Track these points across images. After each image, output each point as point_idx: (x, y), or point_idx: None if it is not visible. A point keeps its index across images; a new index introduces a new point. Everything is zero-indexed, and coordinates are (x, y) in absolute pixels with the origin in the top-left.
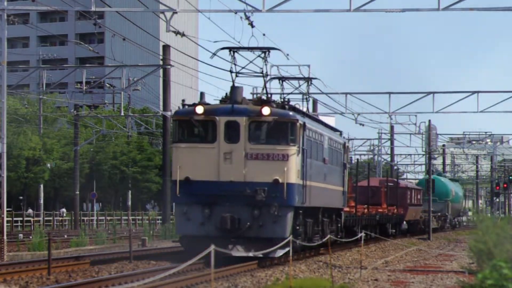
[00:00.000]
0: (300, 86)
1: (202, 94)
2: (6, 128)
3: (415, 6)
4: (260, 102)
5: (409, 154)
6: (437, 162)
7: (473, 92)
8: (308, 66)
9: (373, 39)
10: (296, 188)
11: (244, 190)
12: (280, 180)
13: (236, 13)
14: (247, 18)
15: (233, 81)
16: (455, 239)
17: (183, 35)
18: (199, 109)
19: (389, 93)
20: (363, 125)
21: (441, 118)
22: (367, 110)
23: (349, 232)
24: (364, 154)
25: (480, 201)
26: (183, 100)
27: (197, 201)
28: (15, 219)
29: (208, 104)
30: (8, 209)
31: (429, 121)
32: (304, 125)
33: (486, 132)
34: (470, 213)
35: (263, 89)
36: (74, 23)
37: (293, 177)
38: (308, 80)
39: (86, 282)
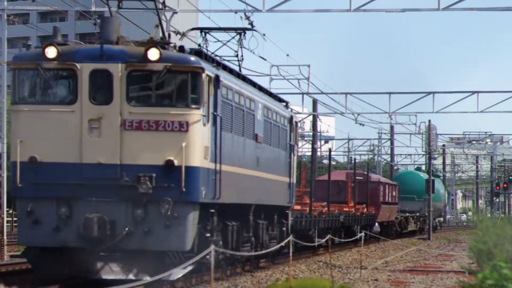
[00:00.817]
0: (230, 39)
1: (55, 29)
2: (6, 128)
3: (415, 6)
4: (148, 43)
5: (409, 154)
6: (437, 162)
7: (473, 92)
8: (308, 66)
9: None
10: (202, 175)
11: (120, 178)
12: (176, 162)
13: (236, 13)
14: (247, 18)
15: None
16: (455, 239)
17: (183, 35)
18: (51, 52)
19: (389, 93)
20: (363, 125)
21: (441, 118)
22: (367, 110)
23: (301, 238)
24: (364, 154)
25: (480, 201)
26: (25, 43)
27: (48, 195)
28: (15, 219)
29: (65, 44)
30: (7, 209)
31: (429, 121)
32: (217, 80)
33: (486, 132)
34: (470, 213)
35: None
36: (74, 23)
37: (197, 157)
38: (241, 32)
39: None
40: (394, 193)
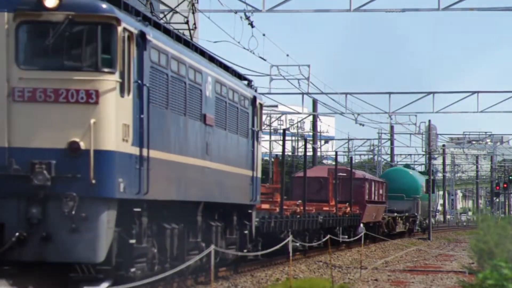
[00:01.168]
0: (180, 3)
1: None
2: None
3: (415, 6)
4: None
5: (409, 154)
6: (437, 162)
7: (473, 92)
8: (308, 66)
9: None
10: (119, 162)
11: (8, 166)
12: (83, 145)
13: (236, 13)
14: (247, 18)
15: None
16: (455, 239)
17: (183, 35)
18: None
19: (389, 93)
20: (363, 125)
21: (441, 118)
22: (367, 110)
23: (271, 242)
24: (364, 154)
25: (480, 201)
26: None
27: None
28: None
29: None
30: None
31: (429, 121)
32: (143, 39)
33: (486, 132)
34: (470, 213)
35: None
36: None
37: (112, 138)
38: None
39: None
40: (381, 191)
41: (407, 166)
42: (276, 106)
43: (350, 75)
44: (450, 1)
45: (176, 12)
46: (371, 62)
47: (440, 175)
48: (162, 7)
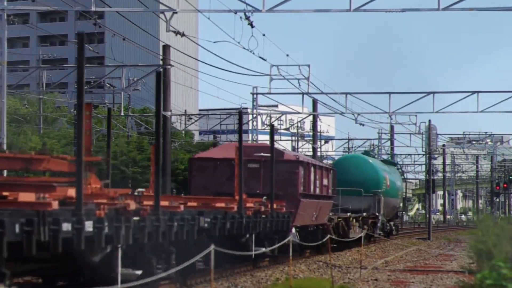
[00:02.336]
0: None
1: None
2: (6, 128)
3: (415, 6)
4: None
5: (409, 154)
6: (437, 162)
7: (473, 92)
8: (308, 66)
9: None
10: None
11: None
12: None
13: (236, 13)
14: (247, 18)
15: None
16: (455, 239)
17: (183, 35)
18: None
19: (389, 93)
20: (363, 125)
21: (441, 118)
22: (367, 110)
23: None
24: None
25: (480, 201)
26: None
27: None
28: None
29: None
30: None
31: (429, 121)
32: None
33: (486, 132)
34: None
35: None
36: (74, 23)
37: None
38: None
39: None
40: (326, 182)
41: (366, 153)
42: (276, 106)
43: (350, 75)
44: (450, 1)
45: (176, 12)
46: (371, 62)
47: (440, 175)
48: (162, 7)
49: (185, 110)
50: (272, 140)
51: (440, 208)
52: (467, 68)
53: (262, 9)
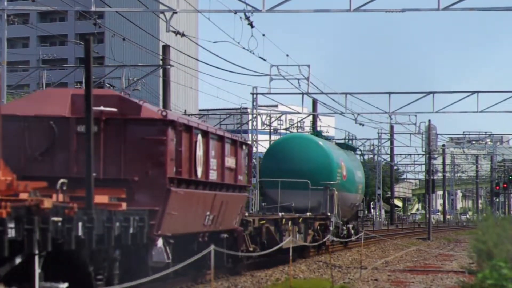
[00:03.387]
0: None
1: None
2: None
3: (415, 6)
4: None
5: (409, 154)
6: (437, 162)
7: (473, 92)
8: (308, 66)
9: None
10: None
11: None
12: None
13: (236, 13)
14: (247, 18)
15: None
16: (455, 239)
17: (183, 35)
18: None
19: (389, 93)
20: (363, 125)
21: (441, 118)
22: (367, 110)
23: None
24: (364, 154)
25: (480, 201)
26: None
27: None
28: None
29: None
30: None
31: (429, 121)
32: None
33: (486, 132)
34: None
35: None
36: (74, 23)
37: None
38: None
39: None
40: (233, 163)
41: (317, 134)
42: (276, 106)
43: (350, 75)
44: (450, 1)
45: (176, 12)
46: (371, 62)
47: (440, 175)
48: (162, 7)
49: (185, 110)
50: None
51: (440, 208)
52: (467, 68)
53: (262, 9)
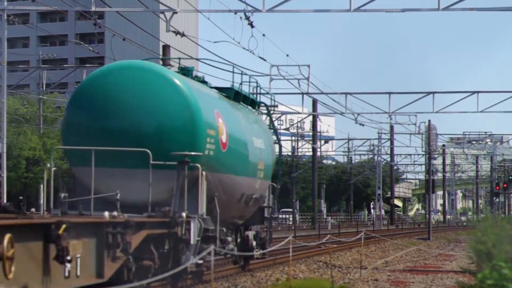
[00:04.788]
0: None
1: None
2: (6, 128)
3: (415, 6)
4: None
5: (409, 154)
6: (437, 162)
7: (473, 92)
8: (308, 66)
9: (373, 39)
10: None
11: None
12: None
13: (236, 13)
14: (247, 18)
15: None
16: (455, 239)
17: (183, 35)
18: None
19: (389, 93)
20: (363, 125)
21: (441, 118)
22: (367, 110)
23: None
24: (364, 154)
25: (480, 201)
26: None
27: None
28: None
29: None
30: None
31: (429, 121)
32: None
33: (486, 132)
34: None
35: None
36: (74, 23)
37: None
38: None
39: None
40: None
41: (184, 70)
42: (276, 106)
43: (350, 75)
44: (450, 1)
45: (176, 12)
46: (371, 62)
47: (440, 175)
48: (162, 7)
49: None
50: None
51: (440, 208)
52: (467, 68)
53: (262, 9)
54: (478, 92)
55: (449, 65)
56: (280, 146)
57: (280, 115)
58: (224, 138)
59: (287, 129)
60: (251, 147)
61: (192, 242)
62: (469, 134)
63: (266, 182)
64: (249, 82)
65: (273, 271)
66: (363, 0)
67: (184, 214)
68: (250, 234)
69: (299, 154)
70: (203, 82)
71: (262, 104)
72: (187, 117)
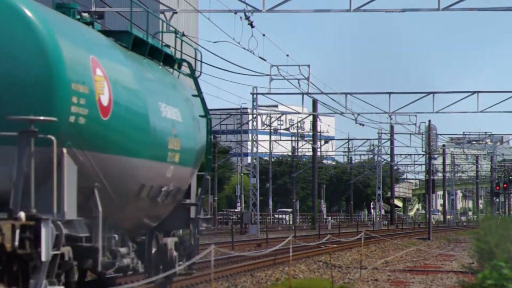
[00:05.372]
0: None
1: None
2: None
3: (415, 6)
4: None
5: (409, 154)
6: (437, 162)
7: (473, 92)
8: (308, 66)
9: (373, 39)
10: None
11: None
12: None
13: (236, 13)
14: (247, 18)
15: None
16: (455, 239)
17: (183, 35)
18: None
19: (389, 93)
20: (363, 125)
21: (441, 118)
22: (367, 110)
23: None
24: (364, 154)
25: (480, 201)
26: None
27: None
28: None
29: None
30: None
31: (429, 121)
32: None
33: (486, 132)
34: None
35: None
36: None
37: None
38: None
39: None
40: None
41: (60, 6)
42: (276, 106)
43: (350, 75)
44: (450, 1)
45: (176, 12)
46: (371, 62)
47: (440, 175)
48: (162, 7)
49: None
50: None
51: (440, 208)
52: (467, 68)
53: (262, 9)
54: (478, 92)
55: (449, 65)
56: (210, 122)
57: (280, 115)
58: (105, 100)
59: (287, 129)
60: (157, 116)
61: (43, 258)
62: (469, 134)
63: (186, 170)
64: (175, 34)
65: (273, 271)
66: (363, 0)
67: (22, 215)
68: (170, 242)
69: (299, 154)
70: (90, 23)
71: (186, 65)
72: (39, 63)
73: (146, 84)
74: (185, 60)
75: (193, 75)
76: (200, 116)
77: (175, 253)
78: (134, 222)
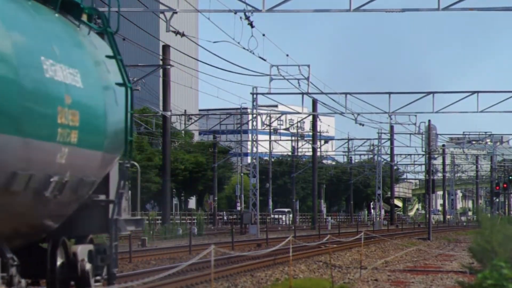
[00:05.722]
0: None
1: None
2: None
3: (415, 6)
4: None
5: (409, 154)
6: (437, 162)
7: (473, 92)
8: (308, 66)
9: (373, 39)
10: None
11: None
12: None
13: (236, 13)
14: (247, 18)
15: None
16: (455, 239)
17: (183, 35)
18: None
19: (389, 93)
20: (363, 125)
21: (441, 118)
22: (367, 110)
23: None
24: (364, 154)
25: (480, 201)
26: None
27: None
28: None
29: None
30: None
31: (429, 121)
32: None
33: (486, 132)
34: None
35: None
36: None
37: None
38: None
39: None
40: None
41: None
42: (276, 106)
43: (350, 75)
44: (450, 1)
45: (176, 12)
46: (371, 62)
47: (440, 175)
48: (162, 7)
49: (185, 110)
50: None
51: (440, 208)
52: (467, 68)
53: (262, 9)
54: (478, 92)
55: (449, 65)
56: (131, 92)
57: (280, 115)
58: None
59: (287, 129)
60: (35, 76)
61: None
62: (469, 134)
63: (92, 154)
64: None
65: (273, 271)
66: (363, 0)
67: None
68: (81, 250)
69: (299, 154)
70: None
71: (97, 16)
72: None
73: (20, 31)
74: (96, 10)
75: (106, 28)
76: (117, 84)
77: (87, 266)
78: (9, 226)
